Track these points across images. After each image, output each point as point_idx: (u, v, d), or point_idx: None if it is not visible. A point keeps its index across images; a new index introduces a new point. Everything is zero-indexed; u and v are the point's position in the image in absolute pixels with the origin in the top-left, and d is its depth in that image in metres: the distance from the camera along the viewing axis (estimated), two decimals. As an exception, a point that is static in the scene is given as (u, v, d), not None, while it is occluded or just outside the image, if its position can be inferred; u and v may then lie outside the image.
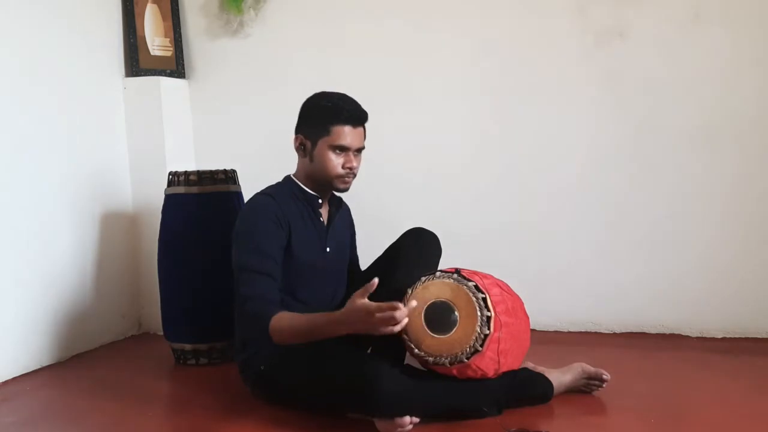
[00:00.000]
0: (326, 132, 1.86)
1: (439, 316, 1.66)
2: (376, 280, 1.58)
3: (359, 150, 1.91)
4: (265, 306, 1.76)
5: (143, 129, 2.83)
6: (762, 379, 2.00)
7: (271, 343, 1.75)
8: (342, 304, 1.95)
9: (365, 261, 2.15)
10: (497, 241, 2.65)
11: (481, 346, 1.65)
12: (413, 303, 1.61)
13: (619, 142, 2.53)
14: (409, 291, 1.73)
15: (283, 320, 1.72)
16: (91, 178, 2.66)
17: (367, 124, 1.93)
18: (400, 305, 1.54)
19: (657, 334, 2.52)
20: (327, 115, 1.87)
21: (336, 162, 1.87)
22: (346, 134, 1.85)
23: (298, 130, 1.94)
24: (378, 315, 1.54)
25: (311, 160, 1.91)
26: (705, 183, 2.46)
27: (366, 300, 1.57)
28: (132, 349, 2.66)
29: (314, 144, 1.89)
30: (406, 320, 1.57)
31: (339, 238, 2.04)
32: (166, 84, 2.86)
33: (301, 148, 1.95)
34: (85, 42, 2.68)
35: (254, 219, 1.86)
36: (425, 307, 1.69)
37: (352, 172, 1.89)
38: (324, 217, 1.99)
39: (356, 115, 1.87)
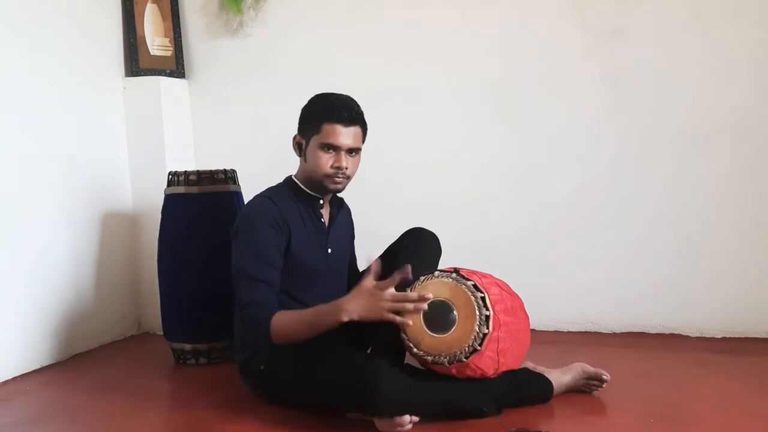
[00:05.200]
0: (318, 130, 1.86)
1: (438, 315, 1.66)
2: (377, 261, 1.63)
3: (352, 150, 1.88)
4: (262, 311, 1.76)
5: (143, 129, 2.84)
6: (762, 379, 2.00)
7: (272, 345, 1.75)
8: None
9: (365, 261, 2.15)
10: (497, 241, 2.65)
11: (480, 345, 1.65)
12: (429, 295, 1.62)
13: (620, 142, 2.53)
14: (408, 290, 1.72)
15: (282, 318, 1.73)
16: (91, 178, 2.67)
17: (367, 125, 1.92)
18: (415, 295, 1.60)
19: (657, 334, 2.52)
20: (319, 114, 1.87)
21: (325, 161, 1.86)
22: (337, 133, 1.84)
23: (298, 129, 1.95)
24: (390, 292, 1.59)
25: (305, 159, 1.92)
26: (705, 182, 2.46)
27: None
28: (132, 349, 2.66)
29: (307, 142, 1.90)
30: (410, 322, 1.62)
31: (340, 239, 2.04)
32: (166, 84, 2.86)
33: (297, 147, 1.95)
34: (84, 42, 2.68)
35: (253, 223, 1.86)
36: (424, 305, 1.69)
37: (341, 172, 1.86)
38: (325, 218, 1.99)
39: (348, 115, 1.85)
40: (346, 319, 1.64)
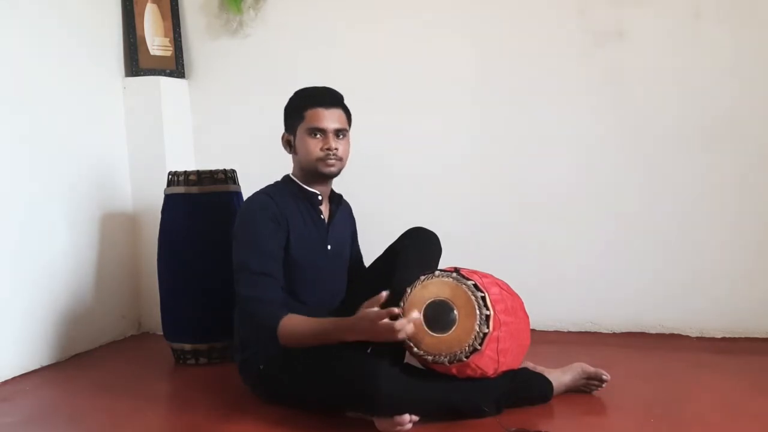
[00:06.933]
0: (302, 118, 1.89)
1: (438, 314, 1.66)
2: (384, 293, 1.64)
3: (339, 132, 1.90)
4: (270, 308, 1.77)
5: (143, 129, 2.84)
6: (762, 379, 2.00)
7: (271, 343, 1.75)
8: (342, 304, 1.97)
9: (365, 261, 2.15)
10: (497, 241, 2.65)
11: (480, 344, 1.65)
12: (414, 314, 1.63)
13: (619, 142, 2.53)
14: (409, 290, 1.73)
15: (293, 324, 1.74)
16: (91, 178, 2.67)
17: (349, 111, 1.94)
18: (399, 316, 1.61)
19: (657, 334, 2.52)
20: (300, 103, 1.91)
21: (314, 145, 1.87)
22: (321, 116, 1.86)
23: (284, 128, 1.97)
24: (380, 323, 1.59)
25: (296, 152, 1.93)
26: (704, 183, 2.46)
27: (372, 309, 1.62)
28: (132, 349, 2.66)
29: (295, 135, 1.92)
30: (410, 327, 1.63)
31: (340, 236, 2.04)
32: (166, 84, 2.86)
33: (287, 144, 1.97)
34: (84, 42, 2.68)
35: (252, 218, 1.87)
36: (424, 306, 1.69)
37: (332, 154, 1.87)
38: (325, 215, 1.99)
39: (328, 96, 1.89)
40: (352, 339, 1.68)
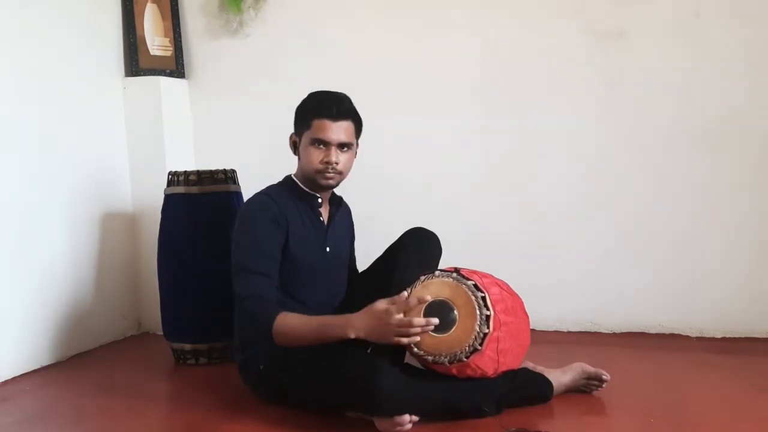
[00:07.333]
0: (308, 126, 1.88)
1: (439, 315, 1.66)
2: (405, 293, 1.67)
3: (343, 145, 1.88)
4: (266, 306, 1.76)
5: (143, 129, 2.84)
6: (762, 379, 2.00)
7: (270, 342, 1.75)
8: (342, 305, 1.97)
9: (365, 261, 2.15)
10: (497, 241, 2.65)
11: (481, 345, 1.65)
12: (434, 320, 1.64)
13: (619, 142, 2.53)
14: (408, 290, 1.72)
15: (288, 321, 1.73)
16: (91, 178, 2.67)
17: (360, 120, 1.93)
18: (421, 320, 1.63)
19: (657, 334, 2.52)
20: (309, 110, 1.89)
21: (316, 156, 1.86)
22: (326, 128, 1.85)
23: (293, 128, 1.96)
24: (397, 317, 1.61)
25: (300, 156, 1.93)
26: (705, 183, 2.46)
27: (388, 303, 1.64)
28: (132, 349, 2.66)
29: (300, 140, 1.91)
30: (417, 339, 1.64)
31: (339, 238, 2.04)
32: (166, 84, 2.86)
33: (293, 146, 1.97)
34: (84, 42, 2.68)
35: (252, 218, 1.87)
36: (424, 306, 1.69)
37: (332, 167, 1.87)
38: (324, 217, 1.99)
39: (337, 110, 1.86)
40: (353, 336, 1.67)
